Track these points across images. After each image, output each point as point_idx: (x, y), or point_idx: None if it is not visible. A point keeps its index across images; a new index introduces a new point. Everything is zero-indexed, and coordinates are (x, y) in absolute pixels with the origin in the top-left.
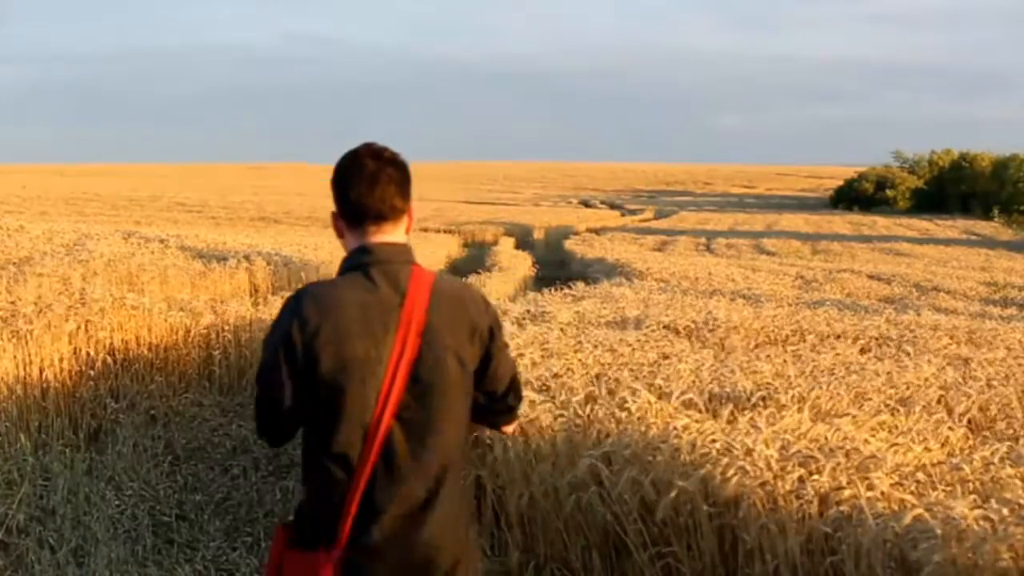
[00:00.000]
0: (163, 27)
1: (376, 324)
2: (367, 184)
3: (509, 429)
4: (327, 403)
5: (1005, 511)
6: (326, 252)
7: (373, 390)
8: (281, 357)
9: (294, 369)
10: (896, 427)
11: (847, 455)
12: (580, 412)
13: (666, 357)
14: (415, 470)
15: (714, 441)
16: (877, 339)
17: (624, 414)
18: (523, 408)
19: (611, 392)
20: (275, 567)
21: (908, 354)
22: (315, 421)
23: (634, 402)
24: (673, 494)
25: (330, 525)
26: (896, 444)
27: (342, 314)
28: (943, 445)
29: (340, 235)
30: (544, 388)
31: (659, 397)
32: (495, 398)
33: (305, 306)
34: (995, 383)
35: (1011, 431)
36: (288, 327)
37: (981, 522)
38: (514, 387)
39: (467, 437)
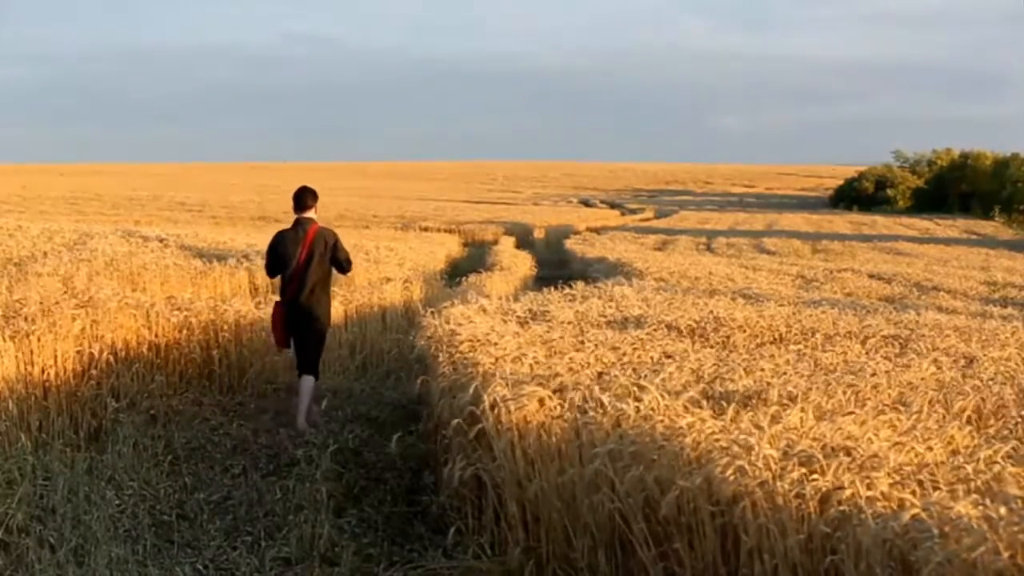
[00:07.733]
0: (163, 27)
1: (296, 241)
2: (300, 196)
3: (348, 275)
4: (283, 266)
5: (1003, 510)
6: None
7: (295, 260)
8: (269, 251)
9: (272, 254)
10: (898, 426)
11: (848, 454)
12: (582, 410)
13: (668, 356)
14: (307, 283)
15: (716, 440)
16: (883, 338)
17: (628, 412)
18: (529, 406)
19: (612, 390)
20: (275, 312)
21: (917, 352)
22: (283, 271)
23: (638, 401)
24: (676, 493)
25: (284, 297)
26: (898, 443)
27: (287, 238)
28: (948, 444)
29: (294, 213)
30: (546, 387)
31: (662, 395)
32: (339, 264)
33: (276, 236)
34: (1000, 382)
35: (1007, 431)
36: (273, 241)
37: (980, 521)
38: (347, 260)
39: (329, 276)
